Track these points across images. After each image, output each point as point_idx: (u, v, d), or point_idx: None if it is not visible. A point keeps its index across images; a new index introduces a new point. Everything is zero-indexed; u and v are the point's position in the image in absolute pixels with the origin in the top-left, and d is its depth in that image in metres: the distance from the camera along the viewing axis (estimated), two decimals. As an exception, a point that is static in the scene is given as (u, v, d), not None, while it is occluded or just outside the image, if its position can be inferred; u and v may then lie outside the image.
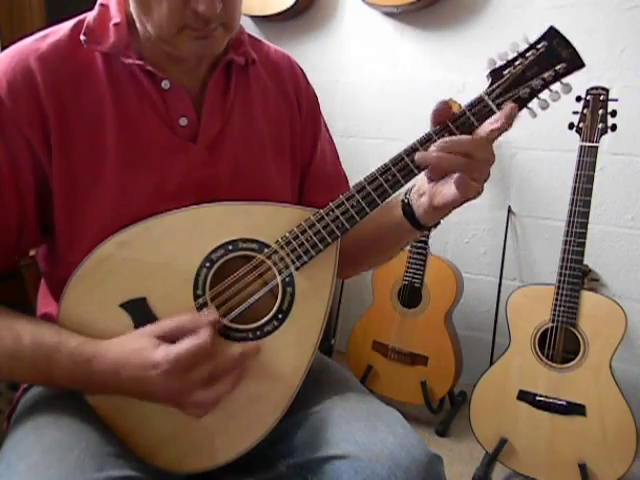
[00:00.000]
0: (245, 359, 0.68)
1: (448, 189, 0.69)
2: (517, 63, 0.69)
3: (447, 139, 0.68)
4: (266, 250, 0.73)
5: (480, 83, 0.72)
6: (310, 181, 0.90)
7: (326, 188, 0.88)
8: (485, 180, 0.69)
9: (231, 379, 0.67)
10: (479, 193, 0.69)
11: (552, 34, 0.69)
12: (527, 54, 0.69)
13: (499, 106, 0.69)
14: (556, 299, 1.48)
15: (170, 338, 0.66)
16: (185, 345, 0.64)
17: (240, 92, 0.81)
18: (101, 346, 0.67)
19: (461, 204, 0.70)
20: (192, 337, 0.65)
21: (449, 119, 0.69)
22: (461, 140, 0.68)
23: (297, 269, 0.73)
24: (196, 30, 0.68)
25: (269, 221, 0.74)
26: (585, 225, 1.45)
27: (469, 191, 0.68)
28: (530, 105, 0.70)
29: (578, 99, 1.48)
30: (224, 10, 0.67)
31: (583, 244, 1.45)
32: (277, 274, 0.73)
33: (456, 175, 0.67)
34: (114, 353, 0.66)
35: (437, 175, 0.71)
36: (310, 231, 0.73)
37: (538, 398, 1.50)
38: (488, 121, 0.69)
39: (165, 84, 0.74)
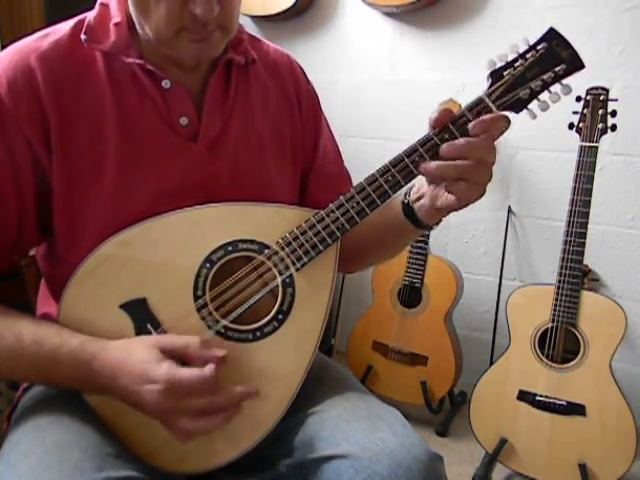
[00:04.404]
0: (242, 401, 0.67)
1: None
2: (517, 64, 0.69)
3: (448, 146, 0.67)
4: (266, 251, 0.73)
5: (480, 83, 0.72)
6: (313, 180, 0.90)
7: (329, 187, 0.88)
8: (488, 181, 0.69)
9: (223, 417, 0.65)
10: (481, 195, 0.68)
11: (552, 35, 0.69)
12: (527, 55, 0.69)
13: (499, 107, 0.69)
14: (556, 299, 1.48)
15: (174, 355, 0.65)
16: (188, 373, 0.63)
17: (240, 91, 0.81)
18: (104, 346, 0.67)
19: (465, 206, 0.69)
20: (198, 368, 0.63)
21: (449, 121, 0.69)
22: (462, 143, 0.67)
23: (297, 270, 0.73)
24: (194, 33, 0.69)
25: (269, 222, 0.74)
26: (585, 225, 1.45)
27: (472, 194, 0.67)
28: (530, 106, 0.70)
29: (578, 99, 1.48)
30: (222, 12, 0.67)
31: (583, 244, 1.45)
32: (277, 275, 0.73)
33: (452, 182, 0.67)
34: (117, 357, 0.66)
35: (438, 182, 0.71)
36: (310, 232, 0.73)
37: (538, 398, 1.50)
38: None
39: (165, 83, 0.74)
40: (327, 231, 0.72)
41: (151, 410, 0.65)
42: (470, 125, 0.67)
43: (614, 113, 1.46)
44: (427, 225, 0.77)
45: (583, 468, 1.44)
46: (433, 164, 0.68)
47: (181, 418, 0.64)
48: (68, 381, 0.68)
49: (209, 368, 0.63)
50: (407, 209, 0.76)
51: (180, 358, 0.65)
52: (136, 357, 0.65)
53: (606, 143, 1.77)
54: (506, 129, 0.67)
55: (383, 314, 1.88)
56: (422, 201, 0.74)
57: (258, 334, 0.72)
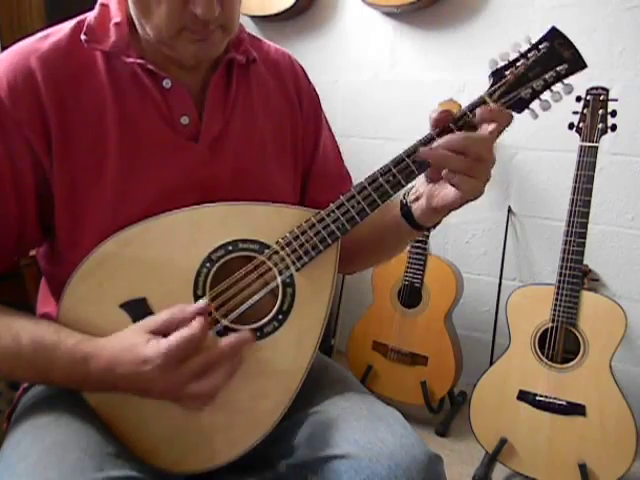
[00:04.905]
0: (239, 347, 0.66)
1: (448, 190, 0.69)
2: (519, 64, 0.69)
3: (448, 137, 0.67)
4: (267, 251, 0.73)
5: (480, 83, 0.72)
6: (313, 179, 0.90)
7: (329, 186, 0.88)
8: (486, 181, 0.69)
9: (226, 369, 0.65)
10: (480, 194, 0.68)
11: (554, 34, 0.69)
12: (529, 55, 0.69)
13: (500, 107, 0.69)
14: (556, 299, 1.48)
15: (163, 331, 0.65)
16: (175, 337, 0.63)
17: (241, 91, 0.81)
18: (98, 344, 0.67)
19: (460, 206, 0.69)
20: (182, 329, 0.63)
21: (450, 121, 0.69)
22: (461, 137, 0.67)
23: (298, 270, 0.73)
24: (195, 32, 0.69)
25: (270, 221, 0.74)
26: (585, 225, 1.45)
27: (470, 190, 0.67)
28: (531, 106, 0.70)
29: (578, 99, 1.48)
30: (223, 12, 0.67)
31: (583, 244, 1.45)
32: (277, 275, 0.73)
33: (456, 176, 0.67)
34: (108, 351, 0.66)
35: (436, 175, 0.71)
36: (310, 232, 0.73)
37: (538, 398, 1.50)
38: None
39: (166, 83, 0.74)
40: (327, 231, 0.72)
41: (156, 389, 0.65)
42: (477, 111, 0.67)
43: (614, 113, 1.46)
44: (424, 226, 0.76)
45: (583, 468, 1.44)
46: (438, 149, 0.67)
47: (187, 386, 0.64)
48: (66, 380, 0.68)
49: (194, 323, 0.63)
50: (405, 209, 0.76)
51: (169, 331, 0.65)
52: (126, 343, 0.65)
53: (606, 143, 1.77)
54: (507, 126, 0.67)
55: (383, 314, 1.88)
56: (420, 201, 0.74)
57: (258, 334, 0.72)
